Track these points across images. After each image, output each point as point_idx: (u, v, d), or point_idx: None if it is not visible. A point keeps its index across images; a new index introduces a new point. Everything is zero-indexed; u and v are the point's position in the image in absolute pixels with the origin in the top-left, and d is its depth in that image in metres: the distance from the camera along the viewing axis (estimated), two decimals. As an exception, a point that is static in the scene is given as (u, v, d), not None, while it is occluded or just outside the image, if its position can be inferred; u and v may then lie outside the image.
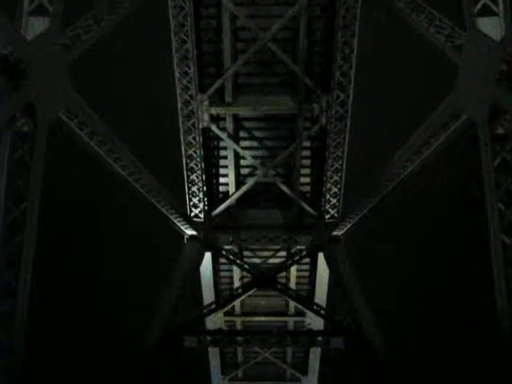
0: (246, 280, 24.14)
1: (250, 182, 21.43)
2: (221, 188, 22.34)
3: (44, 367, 27.45)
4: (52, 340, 30.76)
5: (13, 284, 12.13)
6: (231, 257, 22.65)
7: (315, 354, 26.62)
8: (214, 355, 27.02)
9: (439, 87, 15.76)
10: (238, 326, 26.75)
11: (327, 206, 20.98)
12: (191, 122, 19.37)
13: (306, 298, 24.17)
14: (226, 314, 24.82)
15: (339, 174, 20.29)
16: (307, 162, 21.99)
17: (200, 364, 26.51)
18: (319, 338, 20.76)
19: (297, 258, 22.57)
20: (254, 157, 21.37)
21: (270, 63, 19.51)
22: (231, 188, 21.81)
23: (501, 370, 12.78)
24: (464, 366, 29.87)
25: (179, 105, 19.06)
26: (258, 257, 24.31)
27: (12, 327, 11.96)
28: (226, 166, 21.60)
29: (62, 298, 32.56)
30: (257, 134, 21.47)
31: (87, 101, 14.92)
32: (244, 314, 26.27)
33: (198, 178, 20.47)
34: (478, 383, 26.69)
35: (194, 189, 20.68)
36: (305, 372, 28.20)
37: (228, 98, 19.64)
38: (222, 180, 22.17)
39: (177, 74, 18.40)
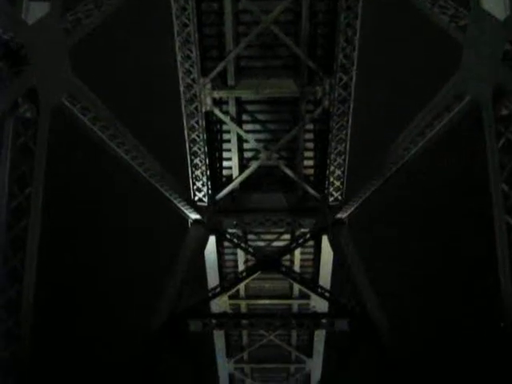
0: (250, 263, 24.20)
1: (254, 165, 21.43)
2: (224, 172, 22.33)
3: (48, 354, 27.62)
4: (55, 327, 30.91)
5: (19, 270, 12.17)
6: (235, 240, 22.71)
7: (320, 336, 26.77)
8: (219, 338, 27.19)
9: (443, 68, 15.66)
10: (243, 309, 26.89)
11: (331, 189, 20.98)
12: (194, 105, 19.34)
13: (310, 280, 24.23)
14: (231, 297, 24.98)
15: (342, 157, 20.27)
16: (310, 144, 21.95)
17: (205, 347, 26.67)
18: (324, 321, 20.84)
19: (301, 240, 22.62)
20: (257, 140, 21.36)
21: (272, 46, 19.40)
22: (235, 172, 21.80)
23: (504, 350, 12.82)
24: (467, 349, 29.98)
25: (181, 89, 19.01)
26: (262, 240, 24.38)
27: (19, 314, 12.01)
28: (229, 150, 21.58)
29: (65, 284, 32.67)
30: (260, 117, 21.42)
31: (89, 86, 14.87)
32: (248, 297, 26.39)
33: (201, 161, 20.47)
34: (481, 365, 26.83)
35: (198, 173, 20.69)
36: (309, 354, 28.37)
37: (230, 82, 19.57)
38: (225, 164, 22.15)
39: (179, 58, 18.32)
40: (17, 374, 11.81)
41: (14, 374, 11.76)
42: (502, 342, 12.77)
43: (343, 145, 19.95)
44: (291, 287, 26.08)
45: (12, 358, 11.80)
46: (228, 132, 21.28)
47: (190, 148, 20.25)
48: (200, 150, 20.23)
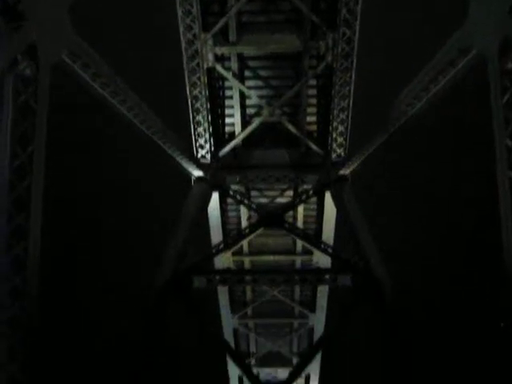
0: (253, 220, 24.27)
1: (256, 121, 21.31)
2: (227, 128, 22.23)
3: (53, 312, 27.94)
4: (58, 285, 31.18)
5: (25, 227, 12.22)
6: (238, 197, 22.73)
7: (323, 291, 26.97)
8: (222, 294, 27.42)
9: (449, 22, 15.39)
10: (247, 266, 27.08)
11: (334, 145, 20.89)
12: (195, 62, 19.12)
13: (313, 236, 24.33)
14: (234, 253, 25.13)
15: (345, 113, 20.12)
16: (313, 100, 21.79)
17: (209, 303, 26.93)
18: (326, 276, 20.95)
19: (304, 197, 22.61)
20: (259, 96, 21.21)
21: (274, 0, 19.08)
22: (237, 128, 21.71)
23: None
24: (470, 305, 30.25)
25: (183, 45, 18.76)
26: (265, 196, 24.41)
27: (26, 270, 12.11)
28: (231, 106, 21.44)
29: (67, 244, 32.86)
30: (262, 73, 21.21)
31: (89, 43, 14.64)
32: (252, 253, 26.53)
33: (203, 118, 20.34)
34: (484, 320, 27.09)
35: (200, 130, 20.59)
36: (313, 309, 28.64)
37: (232, 37, 19.31)
38: (227, 120, 22.04)
39: (180, 13, 18.02)
40: (25, 331, 11.95)
41: (22, 331, 11.90)
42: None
43: (346, 100, 19.79)
44: (294, 243, 26.20)
45: (20, 316, 11.93)
46: (230, 88, 21.10)
47: (193, 105, 20.10)
48: (202, 106, 20.08)
